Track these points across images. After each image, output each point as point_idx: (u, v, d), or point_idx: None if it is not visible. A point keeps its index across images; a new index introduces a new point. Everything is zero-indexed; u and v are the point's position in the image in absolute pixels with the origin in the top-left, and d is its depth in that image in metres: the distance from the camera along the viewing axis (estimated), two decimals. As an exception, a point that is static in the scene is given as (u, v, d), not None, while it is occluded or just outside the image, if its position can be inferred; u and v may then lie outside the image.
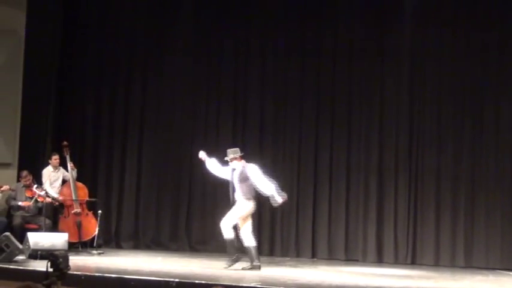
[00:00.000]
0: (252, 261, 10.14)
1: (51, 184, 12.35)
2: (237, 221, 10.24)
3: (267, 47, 13.36)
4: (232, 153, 10.35)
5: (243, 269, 10.06)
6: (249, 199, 10.20)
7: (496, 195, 12.16)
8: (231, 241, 10.22)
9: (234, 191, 10.31)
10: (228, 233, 10.20)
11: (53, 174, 12.42)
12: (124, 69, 13.76)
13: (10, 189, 11.94)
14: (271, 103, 13.31)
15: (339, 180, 12.89)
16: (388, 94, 12.82)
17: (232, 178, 10.30)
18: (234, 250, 10.24)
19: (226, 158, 10.38)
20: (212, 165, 10.59)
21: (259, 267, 10.12)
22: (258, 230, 12.86)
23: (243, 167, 10.28)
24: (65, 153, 12.36)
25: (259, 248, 12.70)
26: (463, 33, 12.50)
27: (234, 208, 10.24)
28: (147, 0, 13.76)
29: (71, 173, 12.31)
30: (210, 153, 13.18)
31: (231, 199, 10.32)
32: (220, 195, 13.14)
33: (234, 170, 10.31)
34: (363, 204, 12.70)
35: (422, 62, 12.72)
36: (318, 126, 13.07)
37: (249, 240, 10.20)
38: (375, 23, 12.88)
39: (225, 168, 10.48)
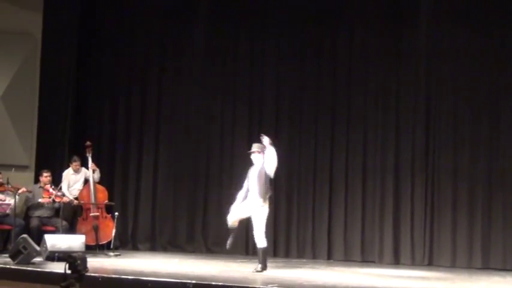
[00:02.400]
0: (258, 262, 10.12)
1: (70, 186, 12.42)
2: (264, 225, 10.14)
3: (282, 49, 13.36)
4: (258, 147, 10.26)
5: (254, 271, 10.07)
6: (265, 200, 10.10)
7: (513, 196, 12.12)
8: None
9: (248, 190, 10.23)
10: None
11: (73, 176, 12.50)
12: (140, 72, 13.80)
13: (27, 191, 12.00)
14: (287, 104, 13.32)
15: (355, 181, 12.87)
16: (404, 94, 12.78)
17: (248, 177, 10.24)
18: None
19: (249, 151, 10.34)
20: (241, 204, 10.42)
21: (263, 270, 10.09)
22: (274, 232, 12.88)
23: (263, 160, 10.15)
24: (87, 154, 12.42)
25: (275, 249, 12.77)
26: (479, 32, 12.44)
27: (253, 216, 10.13)
28: (162, 3, 13.79)
29: (91, 175, 12.36)
30: (225, 156, 13.35)
31: (244, 197, 10.25)
32: (235, 197, 13.17)
33: (252, 167, 10.24)
34: (379, 205, 12.68)
35: (439, 62, 12.66)
36: (334, 127, 13.06)
37: (261, 241, 10.19)
38: (390, 23, 12.85)
39: (244, 184, 10.39)
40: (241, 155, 13.15)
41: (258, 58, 13.50)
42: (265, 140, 10.09)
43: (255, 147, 10.32)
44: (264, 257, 10.14)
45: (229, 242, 10.32)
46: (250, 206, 10.17)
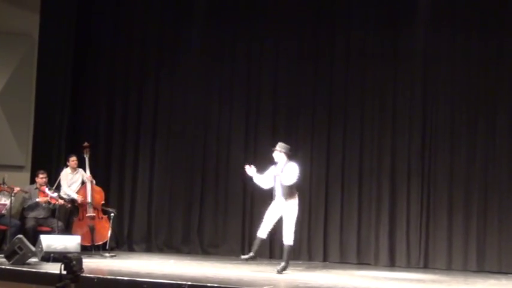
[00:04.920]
0: (283, 260, 10.34)
1: (68, 187, 12.39)
2: (295, 224, 10.36)
3: (279, 50, 13.37)
4: (282, 147, 10.46)
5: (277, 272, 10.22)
6: (292, 198, 10.29)
7: (509, 199, 12.10)
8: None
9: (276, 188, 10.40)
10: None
11: (71, 176, 12.46)
12: (137, 72, 13.80)
13: (22, 191, 11.98)
14: (284, 106, 13.33)
15: (351, 183, 12.88)
16: (400, 97, 12.81)
17: (274, 175, 10.40)
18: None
19: (273, 148, 10.49)
20: (258, 178, 10.57)
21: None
22: (270, 233, 12.87)
23: (286, 163, 10.39)
24: (85, 155, 12.40)
25: (271, 251, 12.77)
26: (476, 36, 12.47)
27: (283, 214, 10.32)
28: (160, 3, 13.79)
29: (88, 180, 12.35)
30: (221, 157, 13.37)
31: (273, 196, 10.41)
32: (232, 199, 13.20)
33: (276, 164, 10.42)
34: (375, 207, 12.69)
35: (436, 66, 12.68)
36: (331, 130, 13.07)
37: (290, 238, 10.33)
38: (388, 26, 12.87)
39: (267, 172, 10.54)
40: (238, 157, 13.23)
41: (255, 58, 13.51)
42: (282, 155, 10.41)
43: (279, 146, 10.52)
44: (289, 256, 10.35)
45: (253, 250, 10.45)
46: (278, 205, 10.35)
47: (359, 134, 12.93)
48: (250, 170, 10.51)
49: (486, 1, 12.47)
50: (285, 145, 10.56)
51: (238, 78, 13.54)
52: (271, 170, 10.50)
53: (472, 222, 12.24)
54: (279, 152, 10.46)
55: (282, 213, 10.35)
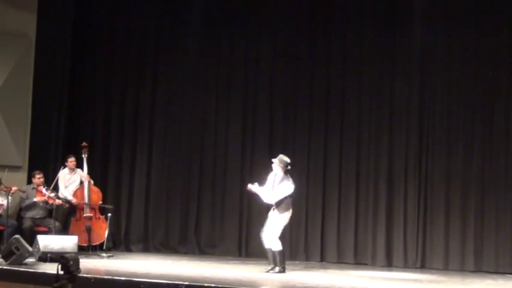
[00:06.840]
0: (276, 264, 10.29)
1: (66, 187, 12.38)
2: (281, 231, 10.39)
3: (277, 52, 13.36)
4: (280, 161, 10.43)
5: (267, 271, 10.25)
6: (285, 209, 10.31)
7: (506, 199, 12.12)
8: (281, 252, 10.35)
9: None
10: (277, 246, 10.30)
11: (69, 176, 12.46)
12: (134, 73, 13.78)
13: (19, 190, 11.96)
14: (281, 107, 13.32)
15: (348, 183, 12.88)
16: (397, 98, 12.81)
17: (272, 184, 10.43)
18: (283, 261, 10.39)
19: (273, 159, 10.51)
20: (261, 191, 10.51)
21: (284, 270, 10.32)
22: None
23: (282, 178, 10.38)
24: (83, 155, 12.41)
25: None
26: (473, 36, 12.48)
27: (273, 219, 10.34)
28: (157, 3, 13.78)
29: (86, 180, 12.34)
30: (218, 158, 13.36)
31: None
32: (229, 199, 13.19)
33: (275, 175, 10.44)
34: (372, 207, 12.69)
35: (432, 66, 12.69)
36: (328, 130, 13.07)
37: (276, 244, 10.28)
38: (384, 27, 12.87)
39: (268, 182, 10.52)
40: (235, 157, 13.24)
41: (252, 59, 13.49)
42: (279, 168, 10.41)
43: (278, 159, 10.48)
44: (282, 259, 10.35)
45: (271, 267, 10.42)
46: (270, 212, 10.43)
47: (356, 134, 12.93)
48: (253, 187, 10.52)
49: (482, 0, 12.48)
50: (284, 159, 10.46)
51: (236, 79, 13.53)
52: (271, 177, 10.50)
53: (469, 222, 12.25)
54: (277, 166, 10.46)
55: (270, 219, 10.38)
